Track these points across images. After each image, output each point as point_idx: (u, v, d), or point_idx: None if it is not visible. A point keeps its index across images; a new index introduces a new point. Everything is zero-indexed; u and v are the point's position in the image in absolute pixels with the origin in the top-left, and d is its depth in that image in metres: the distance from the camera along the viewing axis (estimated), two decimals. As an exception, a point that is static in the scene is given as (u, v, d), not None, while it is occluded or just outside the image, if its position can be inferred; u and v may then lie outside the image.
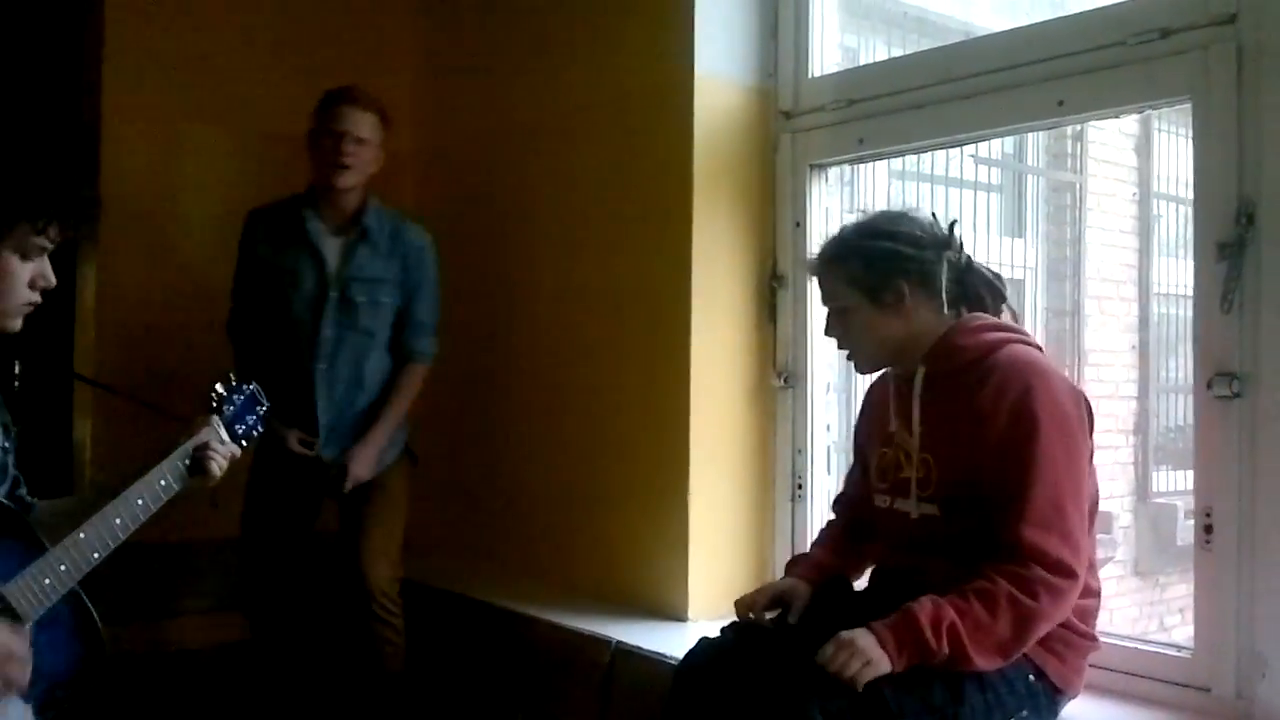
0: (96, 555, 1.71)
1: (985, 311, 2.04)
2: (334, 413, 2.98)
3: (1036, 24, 2.42)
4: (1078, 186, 5.79)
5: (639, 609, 2.88)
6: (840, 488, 2.35)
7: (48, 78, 3.47)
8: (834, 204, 2.91)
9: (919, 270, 1.99)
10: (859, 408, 2.30)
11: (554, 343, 3.29)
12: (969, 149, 5.12)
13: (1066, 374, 1.98)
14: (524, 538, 3.40)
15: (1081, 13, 2.33)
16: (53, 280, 1.78)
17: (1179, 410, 6.25)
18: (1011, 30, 2.50)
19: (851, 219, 2.12)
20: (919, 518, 1.97)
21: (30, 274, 1.75)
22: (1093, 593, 1.92)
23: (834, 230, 2.17)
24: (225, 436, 1.97)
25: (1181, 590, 6.14)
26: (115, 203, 3.40)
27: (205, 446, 1.92)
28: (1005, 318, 2.06)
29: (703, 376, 2.81)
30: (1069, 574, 1.79)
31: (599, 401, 3.11)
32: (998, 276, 2.08)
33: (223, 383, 2.06)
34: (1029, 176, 5.73)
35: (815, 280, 2.16)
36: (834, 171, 2.90)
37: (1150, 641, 2.29)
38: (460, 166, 3.74)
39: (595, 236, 3.15)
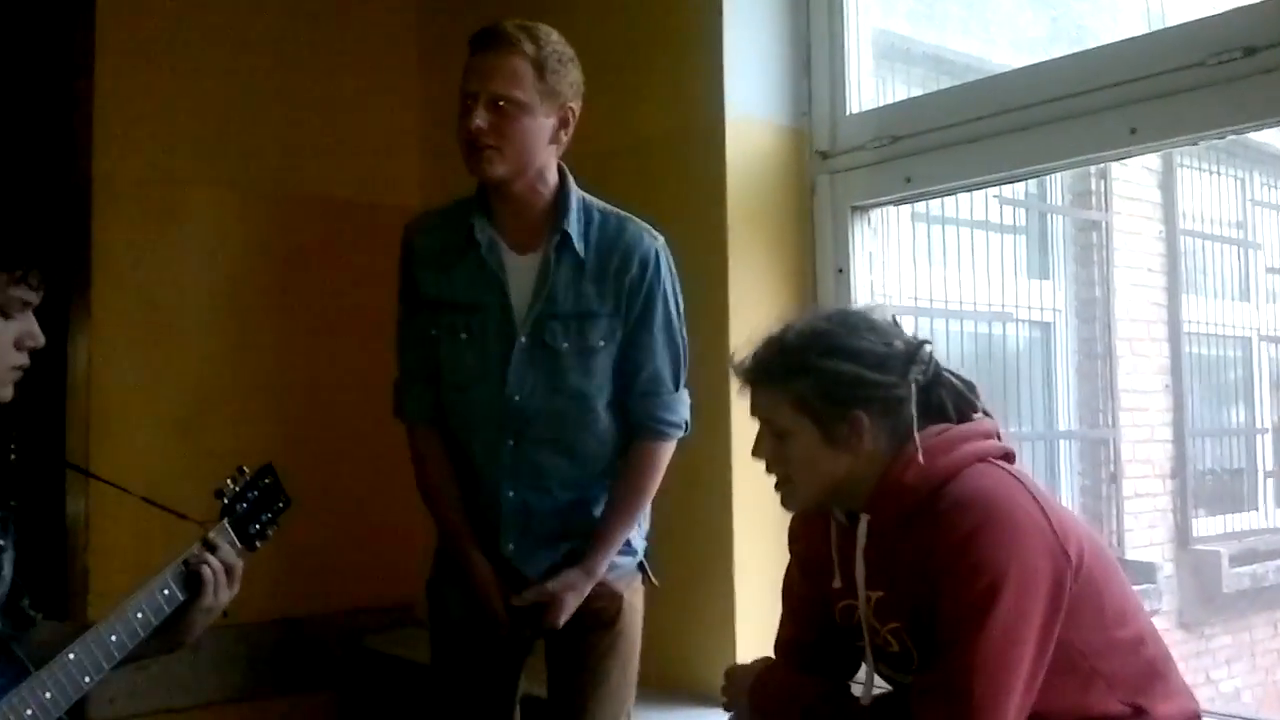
0: (88, 680, 1.50)
1: (948, 422, 1.67)
2: (523, 518, 2.13)
3: (1103, 47, 2.25)
4: (1104, 225, 5.60)
5: (680, 693, 2.66)
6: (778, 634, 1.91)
7: (33, 138, 3.29)
8: (877, 248, 2.72)
9: (882, 398, 1.62)
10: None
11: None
12: (993, 190, 4.99)
13: (1038, 501, 1.57)
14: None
15: (1154, 32, 2.17)
16: (41, 339, 1.58)
17: (1216, 453, 6.04)
18: (1074, 55, 2.33)
19: (797, 319, 1.72)
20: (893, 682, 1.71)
21: (15, 333, 1.55)
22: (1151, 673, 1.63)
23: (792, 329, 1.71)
24: (234, 541, 1.77)
25: (1227, 641, 5.90)
26: (108, 270, 3.22)
27: (199, 560, 1.67)
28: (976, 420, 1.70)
29: (746, 439, 2.58)
30: None
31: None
32: (969, 386, 1.71)
33: (234, 478, 1.84)
34: (1053, 216, 5.55)
35: (743, 385, 1.73)
36: (876, 214, 2.71)
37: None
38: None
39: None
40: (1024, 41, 5.09)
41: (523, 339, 2.07)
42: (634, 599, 2.19)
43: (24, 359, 1.57)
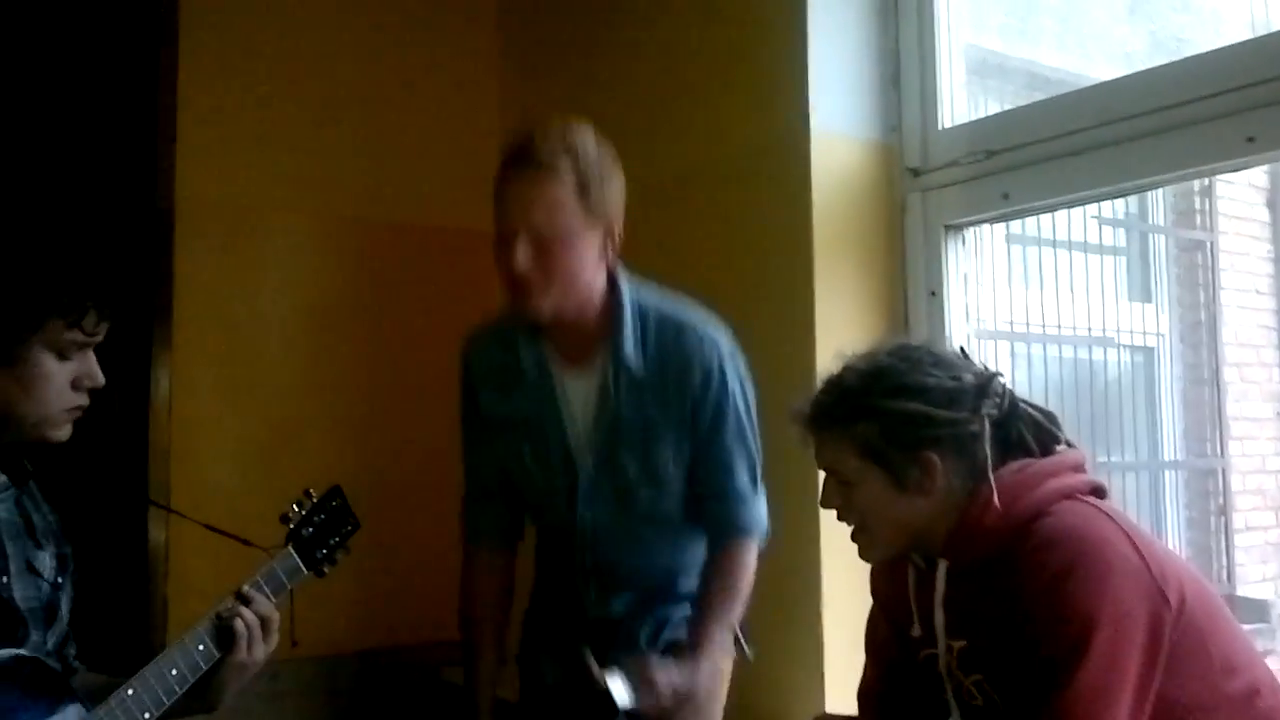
0: (147, 716, 1.43)
1: (1031, 456, 1.55)
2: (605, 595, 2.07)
3: (1215, 51, 2.10)
4: (1209, 245, 5.37)
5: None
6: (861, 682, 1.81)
7: (116, 164, 3.31)
8: (972, 270, 2.59)
9: (953, 437, 1.51)
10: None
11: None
12: (1092, 210, 4.80)
13: (1131, 539, 1.44)
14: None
15: (1273, 34, 2.00)
16: (100, 379, 1.53)
17: (1332, 483, 5.73)
18: (1182, 61, 2.18)
19: (854, 358, 1.60)
20: None
21: (72, 374, 1.51)
22: None
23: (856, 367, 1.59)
24: (300, 567, 1.70)
25: (1348, 682, 5.58)
26: (189, 298, 3.21)
27: (231, 614, 1.57)
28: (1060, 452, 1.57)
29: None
30: None
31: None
32: (1050, 416, 1.60)
33: (300, 501, 1.80)
34: (1155, 236, 5.33)
35: (805, 435, 1.62)
36: (971, 233, 2.58)
37: None
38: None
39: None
40: (1121, 56, 4.90)
41: (590, 466, 1.98)
42: (724, 664, 2.06)
43: (82, 399, 1.53)
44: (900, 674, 1.69)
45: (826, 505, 1.61)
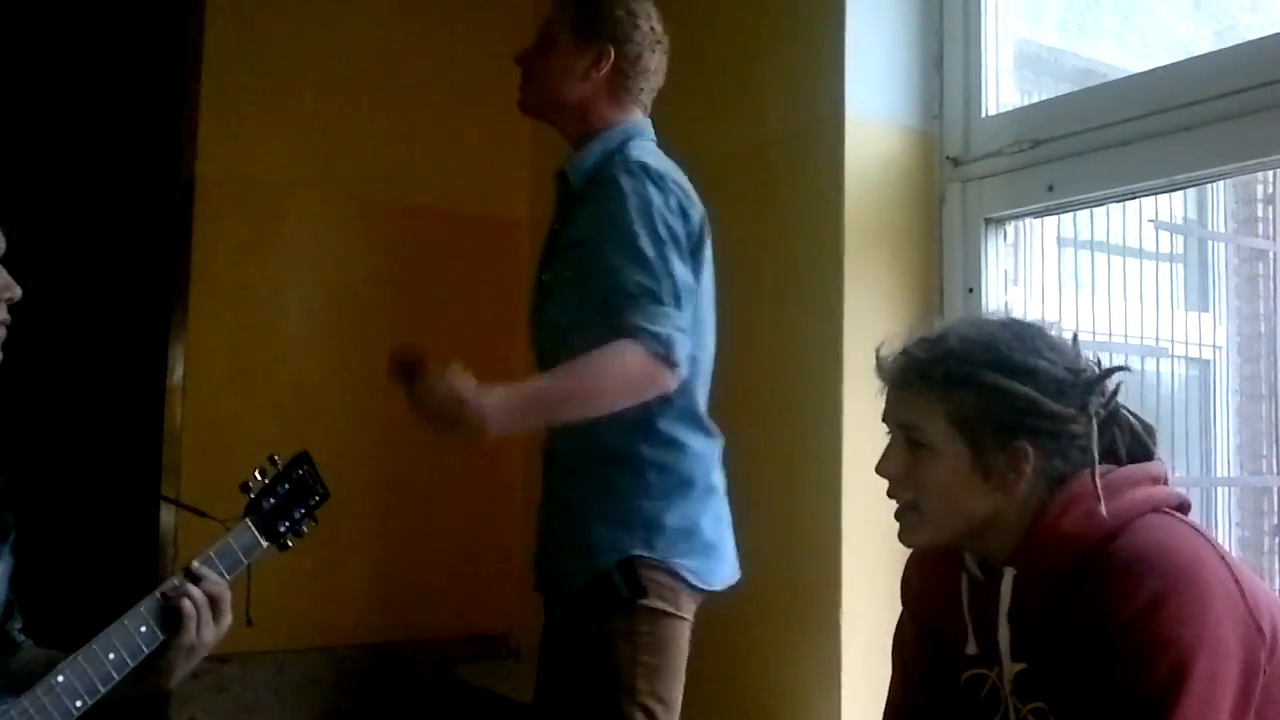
0: (80, 705, 1.32)
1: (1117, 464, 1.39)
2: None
3: (1276, 35, 1.94)
4: (1271, 254, 5.15)
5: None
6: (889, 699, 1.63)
7: (142, 136, 3.25)
8: (1012, 266, 2.45)
9: (1052, 430, 1.34)
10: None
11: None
12: (1149, 214, 4.62)
13: (1224, 560, 1.29)
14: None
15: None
16: (17, 291, 1.37)
17: (1395, 507, 5.49)
18: (1243, 45, 2.03)
19: (959, 322, 1.45)
20: None
21: None
22: None
23: (964, 322, 1.45)
24: (258, 541, 1.58)
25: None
26: (206, 276, 3.15)
27: (178, 593, 1.42)
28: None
29: (859, 474, 2.34)
30: None
31: (735, 493, 2.66)
32: (1148, 428, 1.43)
33: (262, 469, 1.64)
34: (1214, 244, 5.13)
35: (886, 391, 1.45)
36: (1012, 227, 2.45)
37: None
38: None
39: (733, 305, 2.73)
40: (1184, 54, 4.71)
41: (537, 279, 2.07)
42: (616, 626, 1.86)
43: (1, 313, 1.38)
44: (932, 694, 1.53)
45: (885, 471, 1.43)
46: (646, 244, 1.85)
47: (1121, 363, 1.41)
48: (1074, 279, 4.38)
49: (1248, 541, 5.01)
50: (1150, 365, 4.69)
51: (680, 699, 1.90)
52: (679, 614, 1.89)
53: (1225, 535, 4.91)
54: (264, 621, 2.88)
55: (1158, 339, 4.59)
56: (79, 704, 1.31)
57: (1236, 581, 1.27)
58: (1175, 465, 4.73)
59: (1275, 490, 5.02)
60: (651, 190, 1.89)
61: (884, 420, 1.44)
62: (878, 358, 1.45)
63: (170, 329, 3.26)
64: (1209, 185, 5.01)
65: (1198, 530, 1.33)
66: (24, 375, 1.44)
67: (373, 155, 3.34)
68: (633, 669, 1.84)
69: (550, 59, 1.99)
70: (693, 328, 1.89)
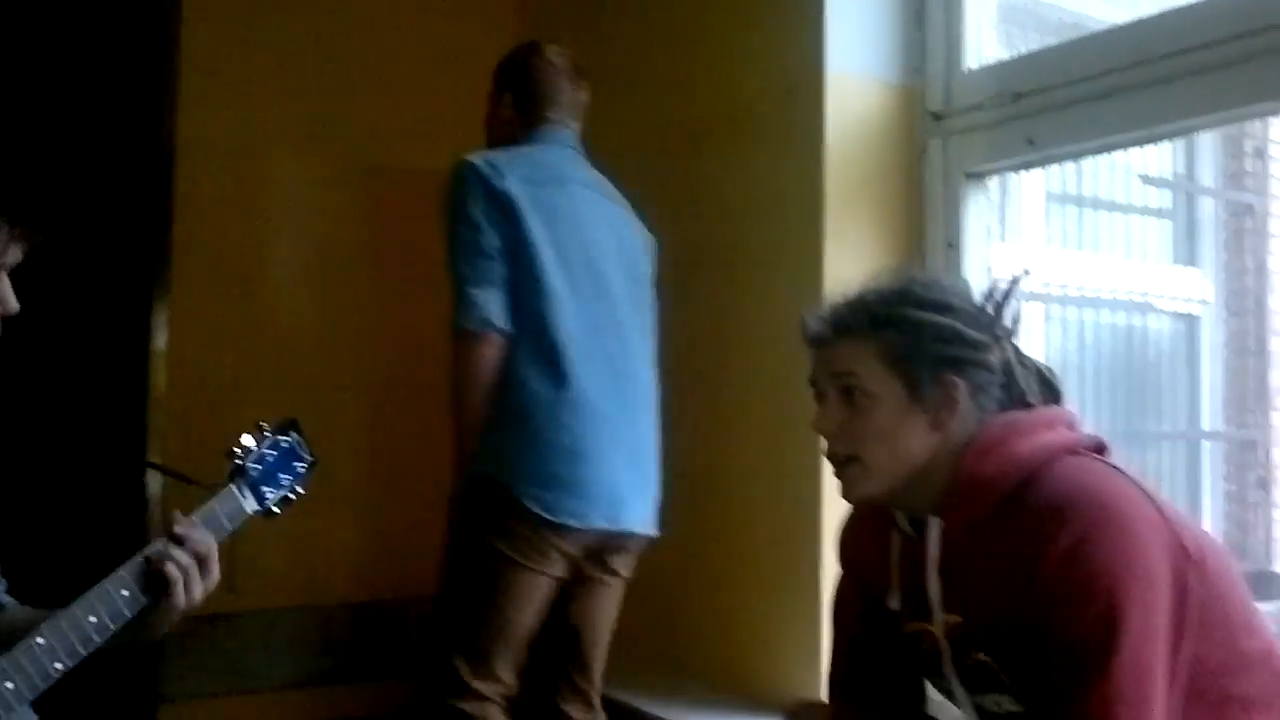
0: (59, 666, 1.32)
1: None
2: None
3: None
4: (1258, 209, 5.15)
5: (763, 702, 2.43)
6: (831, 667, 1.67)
7: (124, 99, 3.21)
8: (994, 221, 2.44)
9: (976, 362, 1.38)
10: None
11: (670, 396, 2.88)
12: (1137, 169, 4.61)
13: (1146, 494, 1.31)
14: (627, 616, 2.97)
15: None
16: (12, 305, 1.38)
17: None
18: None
19: (870, 281, 1.48)
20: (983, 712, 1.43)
21: None
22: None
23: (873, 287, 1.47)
24: (242, 508, 1.57)
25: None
26: (190, 240, 3.13)
27: (162, 557, 1.41)
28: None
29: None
30: None
31: (716, 455, 2.68)
32: (1050, 371, 1.47)
33: (252, 433, 1.63)
34: (1202, 199, 5.12)
35: (815, 351, 1.47)
36: (994, 182, 2.44)
37: None
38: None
39: (713, 267, 2.73)
40: (1166, 7, 4.68)
41: None
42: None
43: None
44: (877, 654, 1.55)
45: (823, 427, 1.44)
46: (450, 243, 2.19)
47: (1098, 319, 1.42)
48: (1062, 234, 4.40)
49: (1233, 494, 5.05)
50: (1137, 320, 4.71)
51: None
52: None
53: (1210, 488, 4.96)
54: (253, 579, 2.89)
55: (1145, 294, 4.61)
56: (58, 666, 1.30)
57: (1159, 510, 1.28)
58: (1161, 419, 4.77)
59: (1261, 444, 5.06)
60: (452, 187, 2.23)
61: (813, 380, 1.46)
62: (803, 323, 1.47)
63: (154, 293, 3.24)
64: (1197, 140, 5.02)
65: (1115, 467, 1.35)
66: (6, 342, 1.43)
67: (357, 117, 3.31)
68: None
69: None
70: (527, 281, 2.13)
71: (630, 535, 2.20)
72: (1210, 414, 5.00)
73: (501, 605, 2.10)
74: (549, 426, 2.09)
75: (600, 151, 3.18)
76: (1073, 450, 1.36)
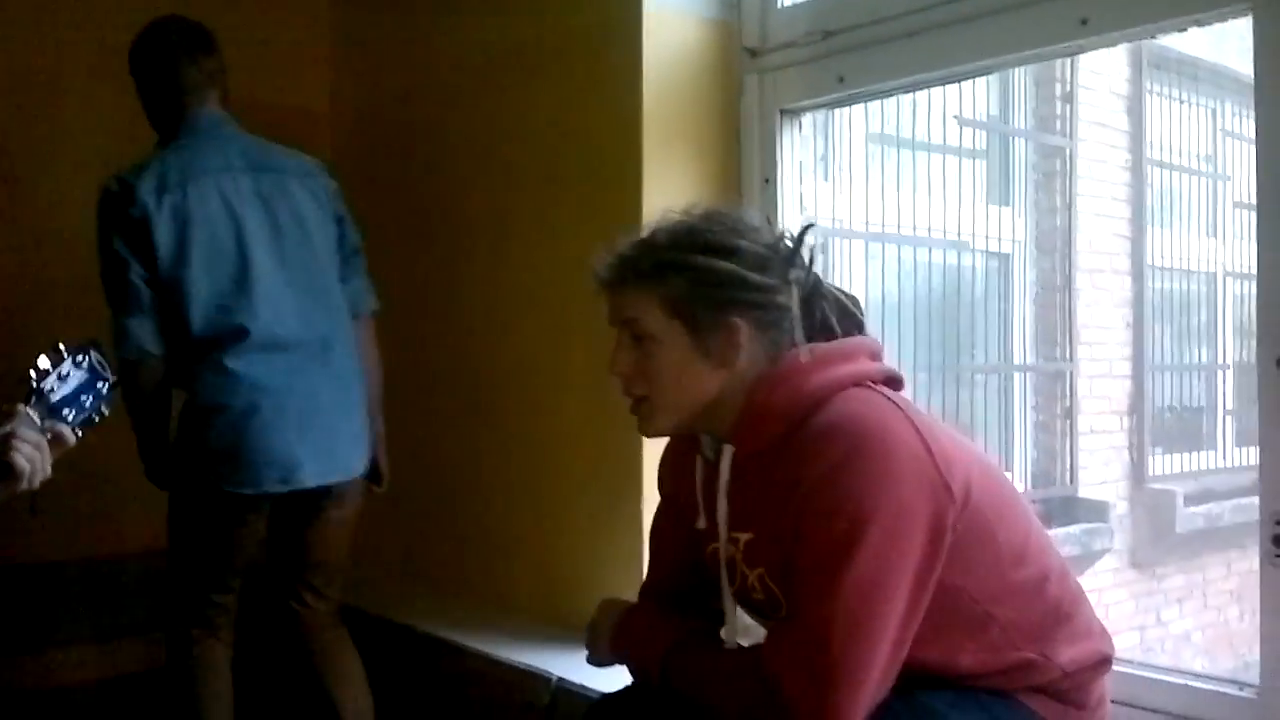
0: None
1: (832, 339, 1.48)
2: None
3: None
4: (1067, 151, 5.39)
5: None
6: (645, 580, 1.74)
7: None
8: (807, 157, 2.49)
9: (760, 304, 1.43)
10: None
11: (484, 323, 2.87)
12: (952, 109, 4.76)
13: (917, 430, 1.36)
14: (455, 552, 2.98)
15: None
16: None
17: (1174, 390, 5.89)
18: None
19: (663, 219, 1.51)
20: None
21: None
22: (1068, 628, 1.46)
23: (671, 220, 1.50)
24: (37, 426, 1.53)
25: (1180, 581, 5.80)
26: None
27: (8, 438, 1.48)
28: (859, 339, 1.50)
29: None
30: None
31: (538, 387, 2.69)
32: (853, 300, 1.53)
33: (49, 354, 1.59)
34: (1016, 140, 5.33)
35: (606, 295, 1.52)
36: (808, 119, 2.48)
37: (1204, 677, 1.87)
38: (382, 126, 3.30)
39: (532, 203, 2.72)
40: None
41: None
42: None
43: None
44: (685, 572, 1.61)
45: (616, 370, 1.50)
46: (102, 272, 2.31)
47: (915, 257, 1.47)
48: (881, 173, 4.51)
49: (1042, 424, 5.31)
50: (953, 259, 4.88)
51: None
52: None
53: (1021, 418, 5.21)
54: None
55: (960, 233, 4.78)
56: None
57: (926, 446, 1.34)
58: (974, 353, 4.97)
59: (1068, 376, 5.33)
60: (98, 212, 2.31)
61: (610, 323, 1.51)
62: (594, 268, 1.51)
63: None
64: (1011, 84, 5.20)
65: (894, 401, 1.41)
66: None
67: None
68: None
69: None
70: (171, 291, 2.26)
71: (311, 488, 2.34)
72: (1022, 348, 5.24)
73: (209, 556, 2.37)
74: (216, 411, 2.27)
75: (416, 76, 3.14)
76: (859, 382, 1.42)
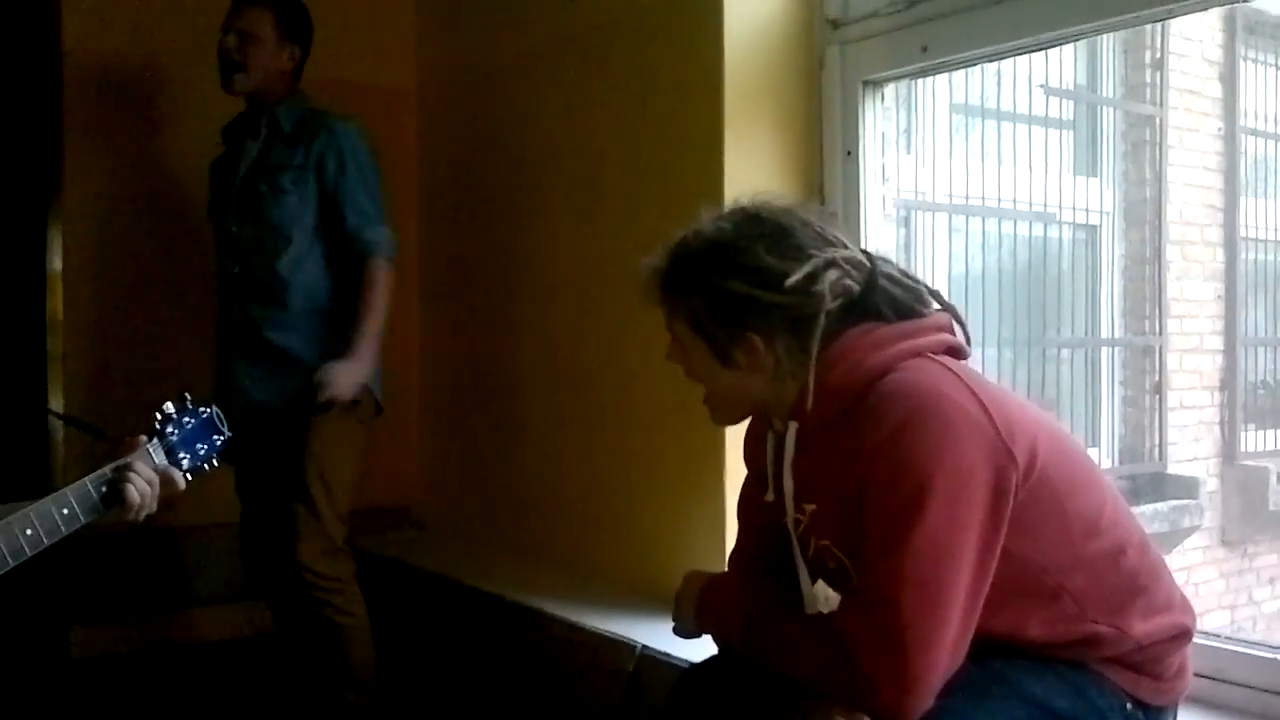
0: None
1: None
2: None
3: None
4: (1157, 120, 5.26)
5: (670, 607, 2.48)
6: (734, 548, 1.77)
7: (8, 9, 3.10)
8: (890, 129, 2.47)
9: (783, 318, 1.45)
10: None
11: (572, 304, 2.90)
12: (1038, 78, 4.67)
13: (978, 398, 1.37)
14: (541, 523, 3.02)
15: None
16: None
17: (1268, 365, 5.74)
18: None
19: (704, 221, 1.53)
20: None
21: None
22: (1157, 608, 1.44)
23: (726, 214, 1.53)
24: (159, 464, 1.64)
25: (1272, 559, 5.67)
26: (79, 157, 3.05)
27: (126, 469, 1.61)
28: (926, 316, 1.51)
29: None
30: (899, 696, 1.30)
31: (624, 362, 2.71)
32: (915, 293, 1.52)
33: (174, 401, 1.75)
34: (1104, 109, 5.21)
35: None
36: (890, 90, 2.46)
37: (1261, 645, 1.84)
38: (467, 105, 3.34)
39: (615, 178, 2.74)
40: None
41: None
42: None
43: None
44: (769, 540, 1.63)
45: (671, 360, 1.60)
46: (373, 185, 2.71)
47: (1000, 229, 1.47)
48: (965, 145, 4.45)
49: (1130, 399, 5.22)
50: (1039, 230, 4.81)
51: None
52: None
53: (1109, 393, 5.12)
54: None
55: (1046, 204, 4.70)
56: (35, 542, 1.50)
57: (987, 412, 1.35)
58: (1061, 327, 4.90)
59: (1158, 350, 5.22)
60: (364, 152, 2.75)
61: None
62: (641, 272, 1.57)
63: (48, 216, 3.16)
64: (1099, 52, 5.09)
65: (950, 369, 1.42)
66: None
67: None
68: None
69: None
70: None
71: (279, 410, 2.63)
72: (1110, 322, 5.15)
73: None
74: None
75: (499, 54, 3.17)
76: (919, 354, 1.43)
